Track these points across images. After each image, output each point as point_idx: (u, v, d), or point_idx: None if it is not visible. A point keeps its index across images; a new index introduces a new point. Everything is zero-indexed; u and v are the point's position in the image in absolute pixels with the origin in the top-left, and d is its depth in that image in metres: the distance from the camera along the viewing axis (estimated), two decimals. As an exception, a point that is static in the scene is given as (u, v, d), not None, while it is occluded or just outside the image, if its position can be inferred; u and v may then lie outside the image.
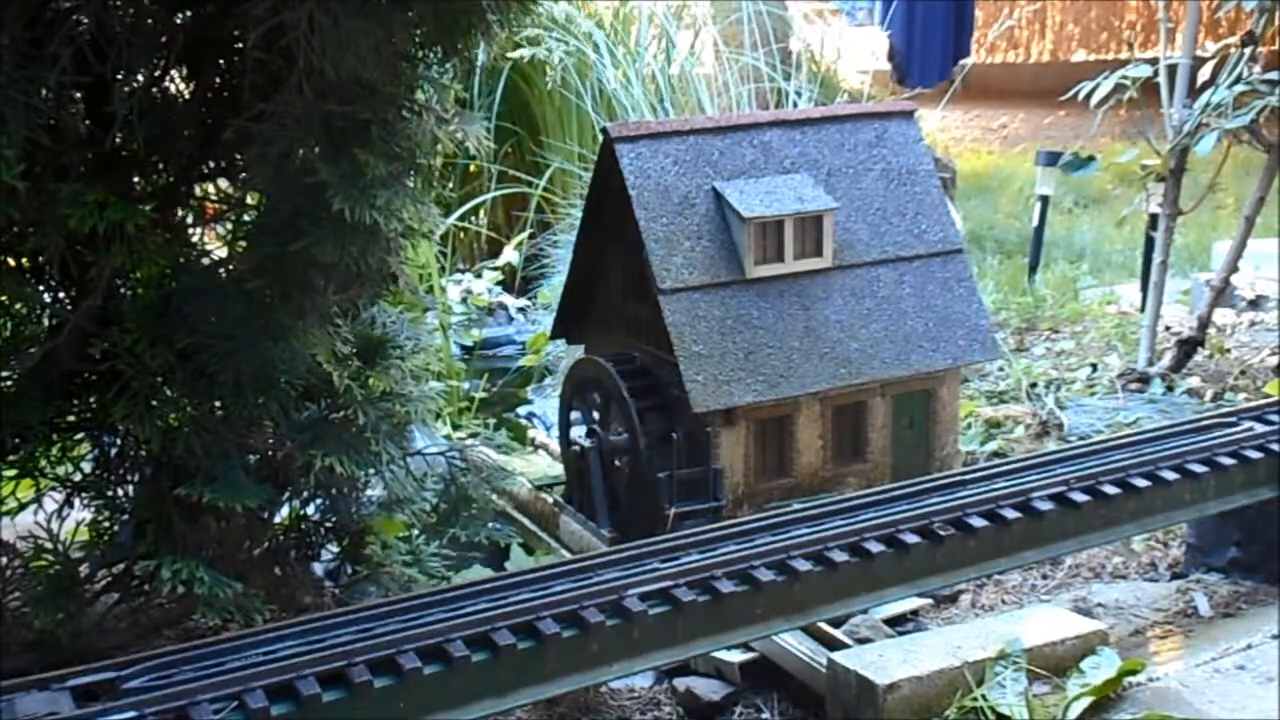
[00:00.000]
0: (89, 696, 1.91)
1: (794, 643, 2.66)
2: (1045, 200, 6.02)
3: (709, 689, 2.67)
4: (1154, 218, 4.62)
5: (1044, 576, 3.15)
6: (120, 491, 2.67)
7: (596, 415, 3.31)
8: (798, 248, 3.20)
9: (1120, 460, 2.73)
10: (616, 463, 3.25)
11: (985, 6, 12.70)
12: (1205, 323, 4.38)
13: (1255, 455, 2.81)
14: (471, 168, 6.67)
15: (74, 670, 1.94)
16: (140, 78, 2.45)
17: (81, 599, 2.54)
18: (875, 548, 2.40)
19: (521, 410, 4.91)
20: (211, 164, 2.67)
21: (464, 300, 5.88)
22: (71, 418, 2.65)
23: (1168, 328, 4.73)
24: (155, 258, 2.45)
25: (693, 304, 3.10)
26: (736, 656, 2.69)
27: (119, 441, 2.68)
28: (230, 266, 2.59)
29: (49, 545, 2.54)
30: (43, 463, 2.64)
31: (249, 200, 2.73)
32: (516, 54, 5.87)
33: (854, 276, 3.29)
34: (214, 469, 2.46)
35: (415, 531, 2.97)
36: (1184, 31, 4.42)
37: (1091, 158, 4.75)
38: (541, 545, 3.44)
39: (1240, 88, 4.04)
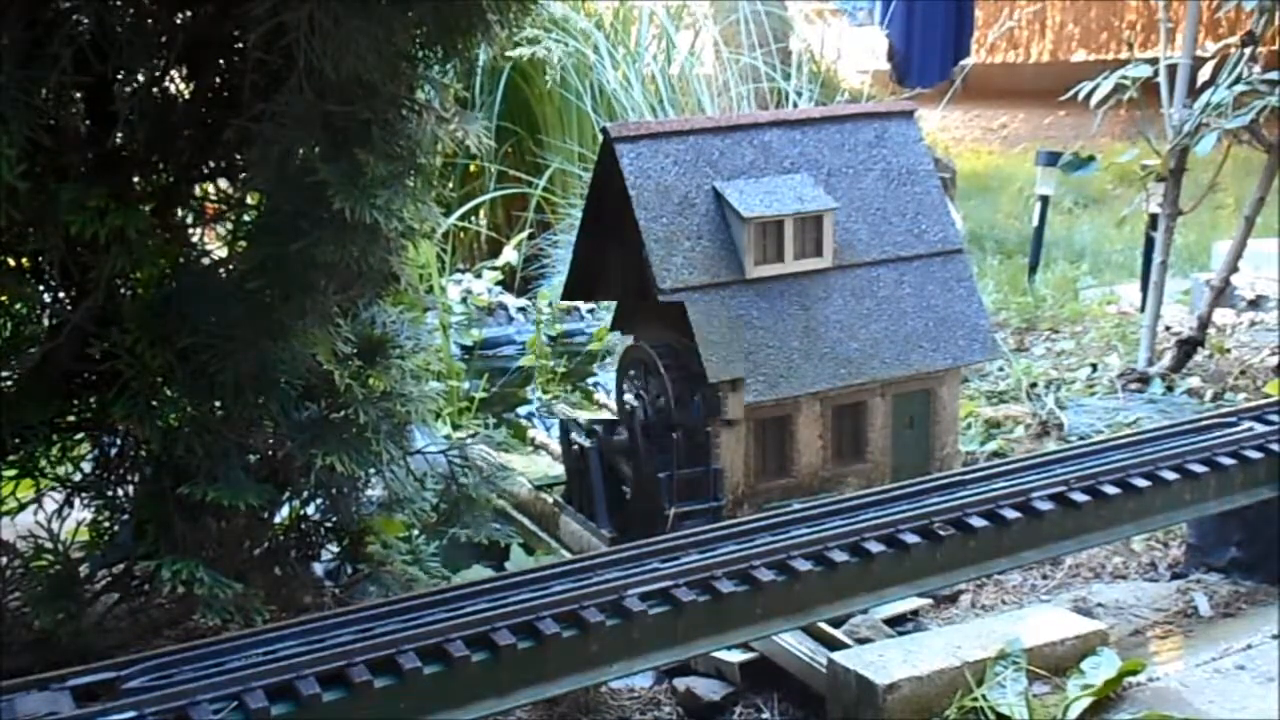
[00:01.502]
0: (89, 696, 1.91)
1: (794, 643, 2.66)
2: (1045, 200, 6.02)
3: (709, 689, 2.67)
4: (1154, 218, 4.62)
5: (1044, 576, 3.15)
6: (120, 491, 2.67)
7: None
8: (798, 248, 3.20)
9: (1120, 460, 2.73)
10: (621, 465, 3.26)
11: (985, 6, 12.69)
12: (1205, 323, 4.38)
13: (1255, 455, 2.81)
14: (471, 168, 6.67)
15: (74, 670, 1.94)
16: (140, 78, 2.46)
17: (81, 599, 2.54)
18: (875, 548, 2.40)
19: (522, 410, 4.93)
20: (211, 164, 2.67)
21: (464, 300, 5.88)
22: (71, 418, 2.65)
23: (1168, 328, 4.72)
24: (155, 258, 2.45)
25: (693, 304, 3.10)
26: (736, 656, 2.69)
27: (119, 441, 2.68)
28: (230, 266, 2.59)
29: (49, 545, 2.54)
30: (43, 463, 2.64)
31: (249, 200, 2.73)
32: (515, 53, 5.88)
33: (854, 276, 3.29)
34: (214, 469, 2.46)
35: (415, 531, 2.97)
36: (1184, 31, 4.42)
37: (1091, 158, 4.75)
38: (541, 545, 3.45)
39: (1240, 88, 4.04)
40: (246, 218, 2.73)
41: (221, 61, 2.60)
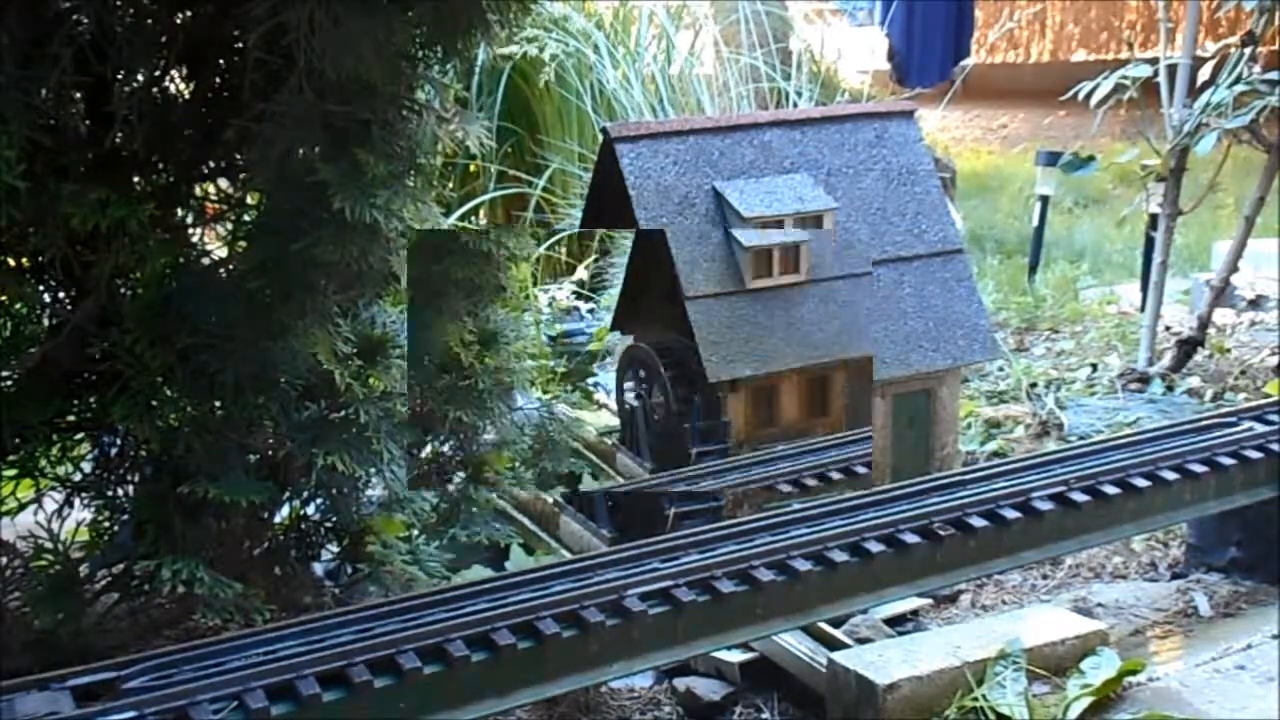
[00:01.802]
0: (89, 696, 1.91)
1: (794, 643, 2.66)
2: (1045, 200, 6.02)
3: (709, 689, 2.67)
4: (1154, 218, 4.62)
5: (1044, 576, 3.15)
6: (120, 491, 2.66)
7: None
8: (798, 248, 3.20)
9: (1120, 460, 2.73)
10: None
11: (985, 6, 12.69)
12: (1205, 323, 4.38)
13: (1255, 455, 2.81)
14: (471, 168, 6.67)
15: (74, 670, 1.94)
16: (140, 78, 2.45)
17: (81, 599, 2.54)
18: (875, 548, 2.40)
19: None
20: (211, 164, 2.66)
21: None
22: (71, 418, 2.65)
23: (1168, 328, 4.73)
24: (155, 257, 2.45)
25: (693, 303, 3.10)
26: (736, 656, 2.69)
27: (119, 441, 2.68)
28: (230, 266, 2.59)
29: (49, 545, 2.54)
30: (43, 463, 2.63)
31: (249, 200, 2.73)
32: (508, 50, 5.87)
33: (854, 276, 3.29)
34: (214, 469, 2.45)
35: (415, 531, 2.97)
36: (1184, 31, 4.42)
37: (1091, 158, 4.74)
38: (541, 545, 3.44)
39: (1240, 88, 4.04)
40: (246, 218, 2.72)
41: (221, 61, 2.59)
